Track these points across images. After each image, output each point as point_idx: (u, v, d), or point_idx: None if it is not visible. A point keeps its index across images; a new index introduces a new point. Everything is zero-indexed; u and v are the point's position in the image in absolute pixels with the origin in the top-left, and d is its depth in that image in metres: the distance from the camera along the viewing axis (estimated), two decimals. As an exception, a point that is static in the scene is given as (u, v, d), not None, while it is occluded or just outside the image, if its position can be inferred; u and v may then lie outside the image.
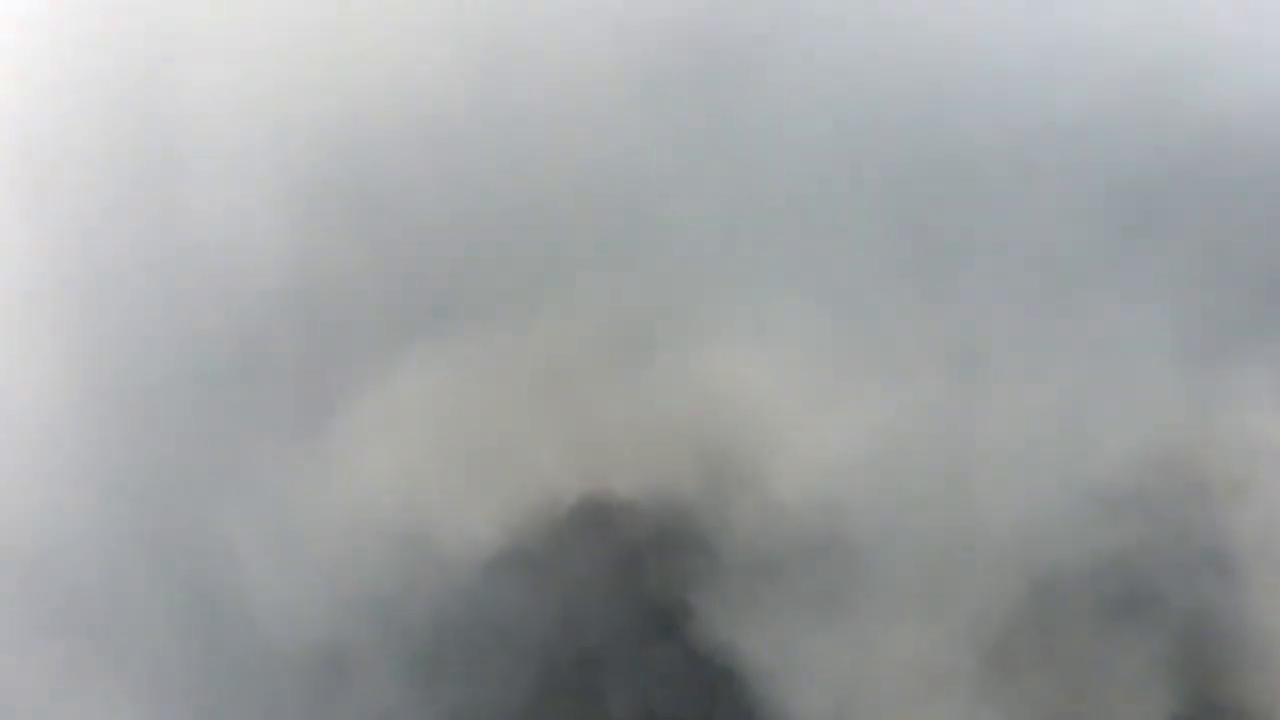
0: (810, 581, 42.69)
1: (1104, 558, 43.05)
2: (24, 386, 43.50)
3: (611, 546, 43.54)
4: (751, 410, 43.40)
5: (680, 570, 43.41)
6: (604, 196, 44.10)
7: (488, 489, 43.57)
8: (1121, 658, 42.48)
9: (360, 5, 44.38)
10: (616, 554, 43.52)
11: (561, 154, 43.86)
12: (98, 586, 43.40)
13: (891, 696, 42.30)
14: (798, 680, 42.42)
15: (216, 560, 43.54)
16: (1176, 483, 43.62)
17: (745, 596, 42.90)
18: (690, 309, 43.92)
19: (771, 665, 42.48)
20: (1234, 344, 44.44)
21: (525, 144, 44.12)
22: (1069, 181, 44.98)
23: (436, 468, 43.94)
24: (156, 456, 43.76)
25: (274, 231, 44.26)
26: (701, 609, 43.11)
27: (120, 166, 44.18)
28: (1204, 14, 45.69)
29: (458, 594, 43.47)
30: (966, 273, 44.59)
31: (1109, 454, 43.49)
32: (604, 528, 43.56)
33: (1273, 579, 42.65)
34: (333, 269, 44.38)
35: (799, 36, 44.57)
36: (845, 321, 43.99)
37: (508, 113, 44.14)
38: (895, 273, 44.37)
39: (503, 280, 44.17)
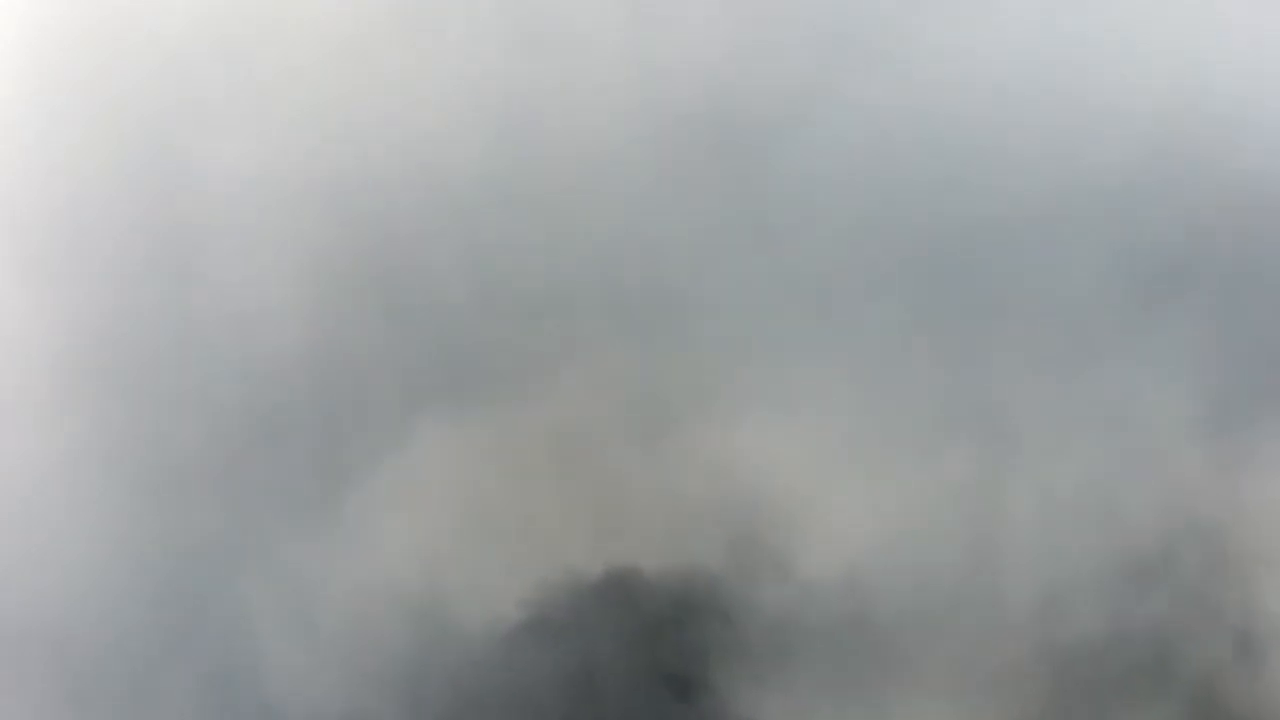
0: (832, 658, 42.42)
1: (1128, 630, 42.76)
2: (43, 461, 43.30)
3: (632, 619, 43.28)
4: (775, 485, 43.12)
5: (701, 643, 43.15)
6: (626, 269, 43.91)
7: (507, 562, 43.34)
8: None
9: (382, 79, 44.21)
10: (637, 627, 43.27)
11: (584, 228, 43.72)
12: (116, 659, 43.25)
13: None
14: (818, 757, 42.35)
15: (234, 632, 43.35)
16: (1202, 554, 43.32)
17: (766, 671, 42.65)
18: (713, 382, 43.68)
19: (792, 741, 42.41)
20: (1260, 413, 44.13)
21: (547, 216, 43.95)
22: (1093, 249, 44.77)
23: (455, 540, 43.72)
24: (174, 529, 43.57)
25: (292, 304, 44.09)
26: (721, 683, 42.87)
27: (138, 240, 44.08)
28: (1231, 79, 45.39)
29: (476, 666, 43.26)
30: (991, 342, 44.37)
31: (1134, 525, 43.23)
32: (625, 600, 43.30)
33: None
34: (352, 341, 44.19)
35: (822, 104, 44.33)
36: (870, 395, 43.75)
37: (529, 186, 43.98)
38: (919, 344, 44.13)
39: (524, 353, 43.95)
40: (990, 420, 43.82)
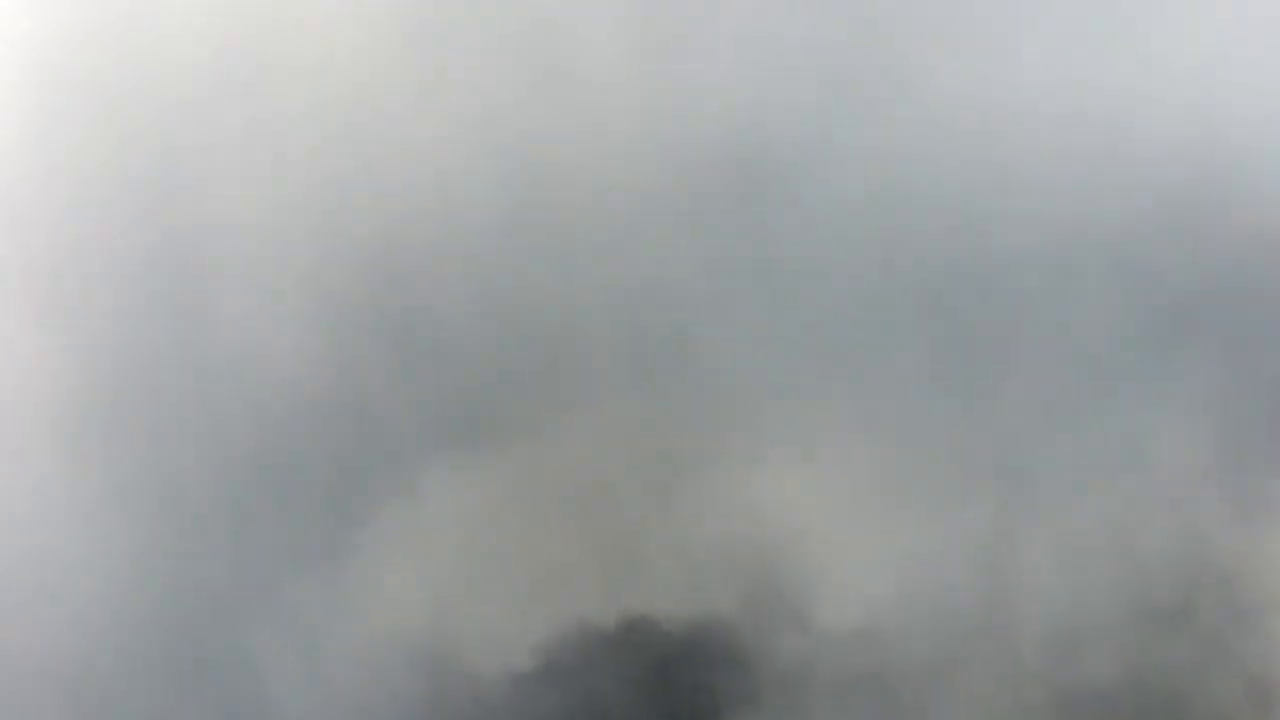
0: (846, 708, 42.11)
1: (1144, 678, 42.55)
2: (52, 502, 43.03)
3: (645, 667, 42.95)
4: (790, 532, 42.85)
5: (714, 692, 42.83)
6: (640, 314, 43.67)
7: (518, 609, 43.01)
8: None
9: (396, 118, 43.93)
10: (650, 675, 42.95)
11: (598, 272, 43.48)
12: (123, 703, 42.93)
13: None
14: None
15: (242, 678, 43.06)
16: (1219, 600, 43.12)
17: (781, 720, 42.45)
18: (727, 429, 43.42)
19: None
20: (1278, 456, 43.91)
21: (561, 260, 43.74)
22: (1107, 293, 44.65)
23: (466, 587, 43.41)
24: (182, 572, 43.29)
25: (302, 347, 43.83)
26: (735, 731, 42.67)
27: (148, 281, 43.84)
28: (1241, 122, 45.30)
29: (487, 714, 42.92)
30: (1006, 387, 44.21)
31: (1151, 572, 43.05)
32: (638, 648, 42.97)
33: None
34: (362, 385, 43.90)
35: (838, 150, 44.17)
36: (885, 440, 43.52)
37: (543, 230, 43.76)
38: (934, 389, 43.93)
39: (536, 398, 43.64)
40: (1006, 466, 43.61)
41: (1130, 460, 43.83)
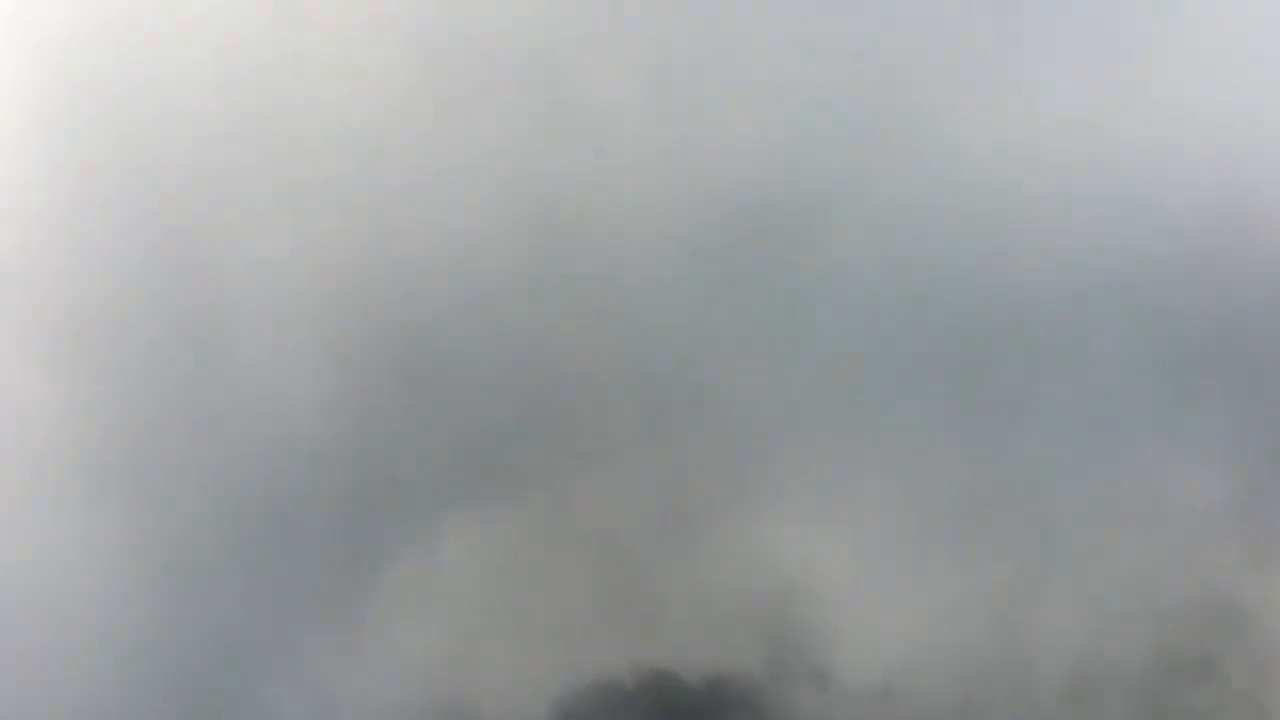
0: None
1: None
2: (69, 555, 42.62)
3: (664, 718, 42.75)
4: (810, 585, 42.56)
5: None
6: (660, 364, 43.30)
7: (537, 662, 42.68)
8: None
9: (414, 167, 43.48)
10: (668, 725, 42.83)
11: (616, 321, 43.04)
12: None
13: None
14: None
15: (259, 731, 42.74)
16: (1240, 650, 43.02)
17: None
18: (748, 478, 43.05)
19: None
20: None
21: (579, 309, 43.32)
22: (1127, 341, 44.43)
23: (483, 639, 43.08)
24: (197, 625, 42.94)
25: (319, 397, 43.47)
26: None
27: (165, 334, 43.48)
28: (1262, 173, 44.98)
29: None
30: (1025, 435, 43.98)
31: (1172, 622, 42.94)
32: (658, 702, 42.69)
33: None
34: (378, 435, 43.52)
35: (854, 201, 43.83)
36: (905, 490, 43.25)
37: (560, 279, 43.30)
38: (953, 439, 43.65)
39: (555, 447, 43.23)
40: (1025, 516, 43.39)
41: (1149, 508, 43.66)
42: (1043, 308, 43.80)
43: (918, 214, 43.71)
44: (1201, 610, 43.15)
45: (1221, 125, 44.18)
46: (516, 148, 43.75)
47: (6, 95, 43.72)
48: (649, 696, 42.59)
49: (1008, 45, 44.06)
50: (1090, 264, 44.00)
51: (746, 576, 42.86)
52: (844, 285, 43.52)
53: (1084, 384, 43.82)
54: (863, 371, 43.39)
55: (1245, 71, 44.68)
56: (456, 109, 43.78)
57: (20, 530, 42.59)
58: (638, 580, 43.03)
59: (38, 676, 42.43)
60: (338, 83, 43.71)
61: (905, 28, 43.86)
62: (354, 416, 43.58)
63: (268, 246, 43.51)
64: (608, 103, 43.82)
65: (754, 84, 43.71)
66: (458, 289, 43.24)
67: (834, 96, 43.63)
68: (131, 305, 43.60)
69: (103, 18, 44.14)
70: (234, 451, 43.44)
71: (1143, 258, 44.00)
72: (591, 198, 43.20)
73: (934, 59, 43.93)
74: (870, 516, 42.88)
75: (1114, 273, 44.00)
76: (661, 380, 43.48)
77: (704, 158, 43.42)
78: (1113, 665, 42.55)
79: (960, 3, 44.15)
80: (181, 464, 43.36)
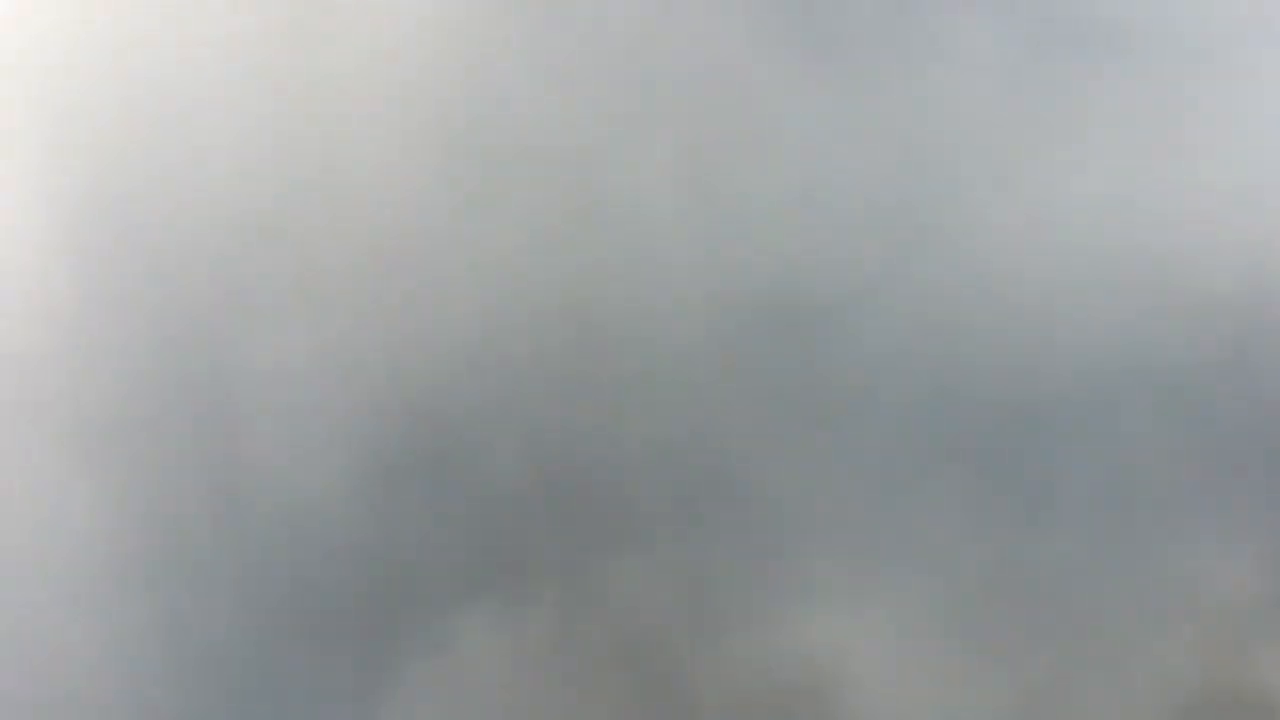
0: None
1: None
2: (82, 650, 42.01)
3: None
4: (844, 682, 41.71)
5: None
6: (687, 456, 42.76)
7: (561, 765, 41.71)
8: None
9: (434, 255, 43.31)
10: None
11: (642, 413, 42.60)
12: None
13: None
14: None
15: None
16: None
17: None
18: (778, 571, 42.33)
19: None
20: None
21: (604, 401, 42.89)
22: (1160, 429, 43.96)
23: (505, 741, 42.09)
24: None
25: (337, 493, 43.00)
26: None
27: (179, 426, 42.94)
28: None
29: None
30: (1055, 526, 43.52)
31: (1201, 714, 41.99)
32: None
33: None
34: (397, 532, 42.91)
35: (884, 288, 43.66)
36: (936, 581, 42.65)
37: (586, 369, 42.99)
38: (985, 529, 43.12)
39: (579, 542, 42.54)
40: (1057, 608, 42.70)
41: (1185, 602, 42.97)
42: (1074, 396, 43.55)
43: (949, 299, 43.49)
44: (1233, 705, 42.34)
45: (1260, 210, 44.09)
46: (543, 241, 43.57)
47: (34, 189, 43.72)
48: (678, 798, 41.54)
49: (1040, 130, 44.08)
50: (1121, 348, 43.72)
51: (779, 675, 42.00)
52: (874, 373, 43.22)
53: (1118, 473, 43.43)
54: (893, 460, 42.97)
55: (1284, 156, 44.68)
56: (481, 200, 43.70)
57: (45, 625, 42.03)
58: (665, 676, 42.18)
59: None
60: (361, 173, 43.65)
61: (937, 109, 43.89)
62: (373, 513, 43.03)
63: (290, 341, 43.19)
64: (637, 194, 43.63)
65: (784, 173, 43.64)
66: (482, 383, 42.87)
67: (865, 185, 43.56)
68: (144, 405, 43.25)
69: (124, 114, 44.14)
70: (247, 549, 42.90)
71: (1178, 343, 43.69)
72: (619, 289, 42.97)
73: (967, 143, 43.93)
74: (903, 606, 42.34)
75: (1146, 358, 43.71)
76: (689, 474, 42.93)
77: (735, 249, 43.24)
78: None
79: (997, 88, 44.21)
80: (194, 563, 42.83)
